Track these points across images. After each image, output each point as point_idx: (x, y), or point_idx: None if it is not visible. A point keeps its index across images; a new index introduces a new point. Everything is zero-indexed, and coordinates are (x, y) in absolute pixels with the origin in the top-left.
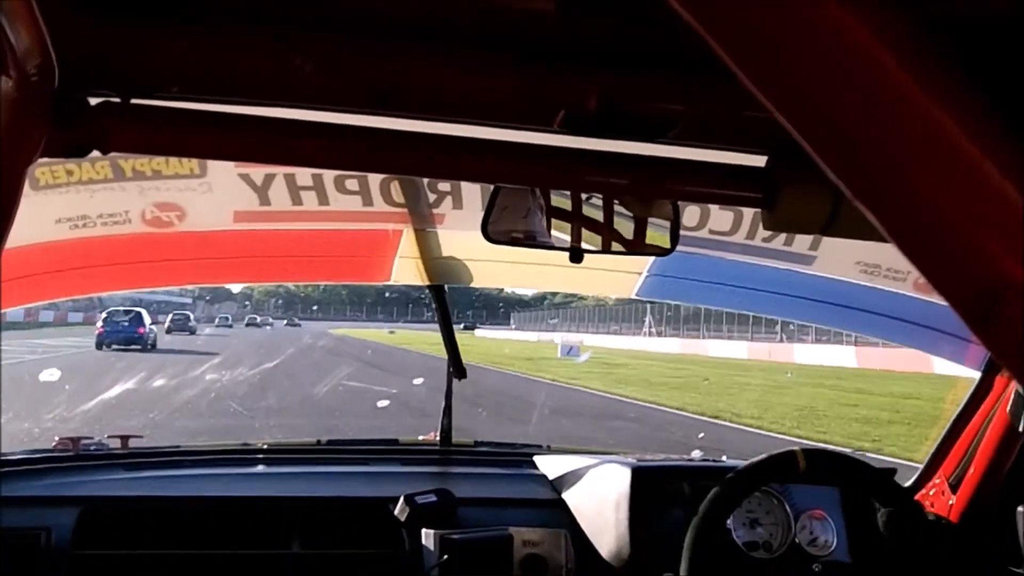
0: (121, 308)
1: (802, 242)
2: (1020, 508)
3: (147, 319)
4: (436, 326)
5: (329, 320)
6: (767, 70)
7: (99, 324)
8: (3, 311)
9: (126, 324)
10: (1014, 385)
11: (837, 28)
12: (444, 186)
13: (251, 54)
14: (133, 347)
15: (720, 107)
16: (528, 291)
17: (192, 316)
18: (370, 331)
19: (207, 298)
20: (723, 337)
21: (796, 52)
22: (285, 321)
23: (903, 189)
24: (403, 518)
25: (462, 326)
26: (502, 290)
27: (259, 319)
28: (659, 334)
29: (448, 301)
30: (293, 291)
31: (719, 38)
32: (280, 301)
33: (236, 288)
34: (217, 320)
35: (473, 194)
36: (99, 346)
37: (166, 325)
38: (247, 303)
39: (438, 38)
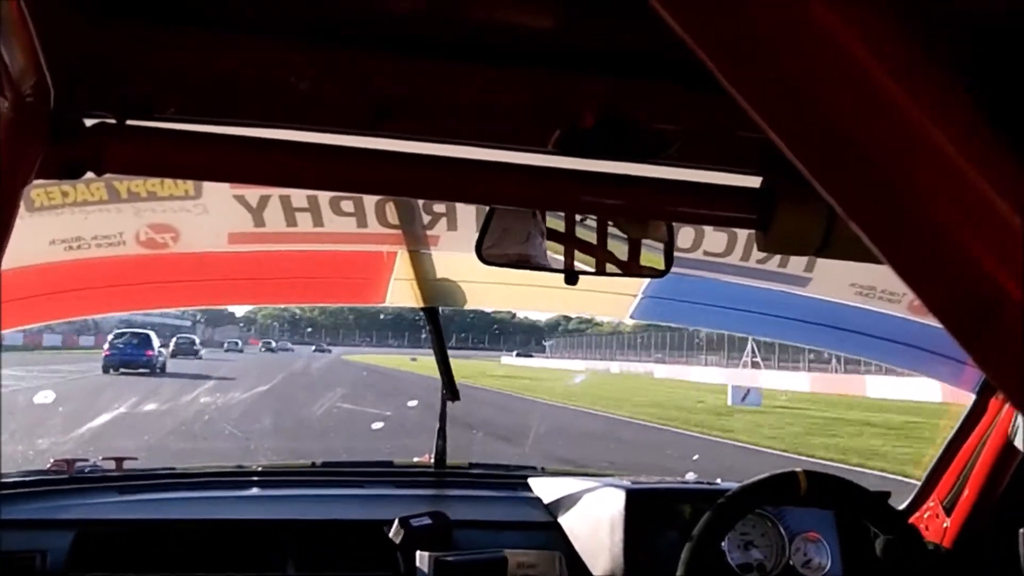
0: (128, 331)
1: (797, 264)
2: (1022, 530)
3: (155, 341)
4: (462, 351)
5: (338, 345)
6: (757, 82)
7: (105, 347)
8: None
9: (134, 346)
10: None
11: (830, 40)
12: (439, 207)
13: (246, 73)
14: (141, 371)
15: (715, 127)
16: (542, 316)
17: (197, 340)
18: (386, 358)
19: (202, 320)
20: (872, 372)
21: (787, 63)
22: (314, 347)
23: (895, 206)
24: (398, 541)
25: (515, 354)
26: (514, 315)
27: (275, 343)
28: (759, 365)
29: (444, 326)
30: (298, 315)
31: (709, 50)
32: (285, 325)
33: (240, 311)
34: (226, 344)
35: (468, 215)
36: (106, 370)
37: (170, 349)
38: (251, 328)
39: (433, 57)
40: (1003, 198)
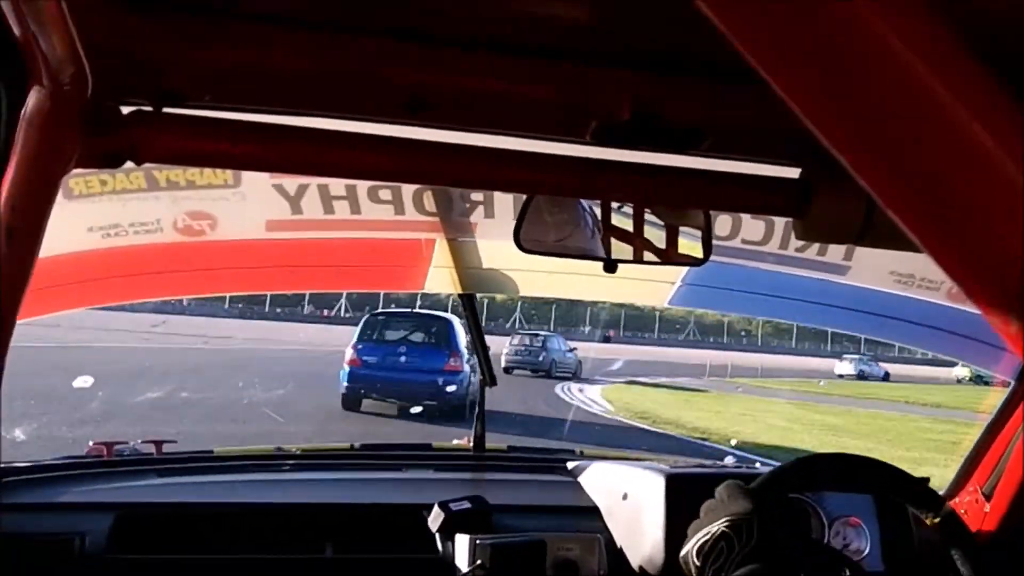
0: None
1: (836, 252)
2: None
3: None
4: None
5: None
6: (797, 76)
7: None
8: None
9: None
10: None
11: (869, 34)
12: (476, 196)
13: (284, 63)
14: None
15: (752, 117)
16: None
17: (569, 345)
18: None
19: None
20: None
21: (827, 57)
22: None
23: (933, 196)
24: (437, 525)
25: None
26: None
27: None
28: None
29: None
30: None
31: (749, 45)
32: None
33: None
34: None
35: (505, 204)
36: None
37: (503, 359)
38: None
39: (472, 48)
40: None
